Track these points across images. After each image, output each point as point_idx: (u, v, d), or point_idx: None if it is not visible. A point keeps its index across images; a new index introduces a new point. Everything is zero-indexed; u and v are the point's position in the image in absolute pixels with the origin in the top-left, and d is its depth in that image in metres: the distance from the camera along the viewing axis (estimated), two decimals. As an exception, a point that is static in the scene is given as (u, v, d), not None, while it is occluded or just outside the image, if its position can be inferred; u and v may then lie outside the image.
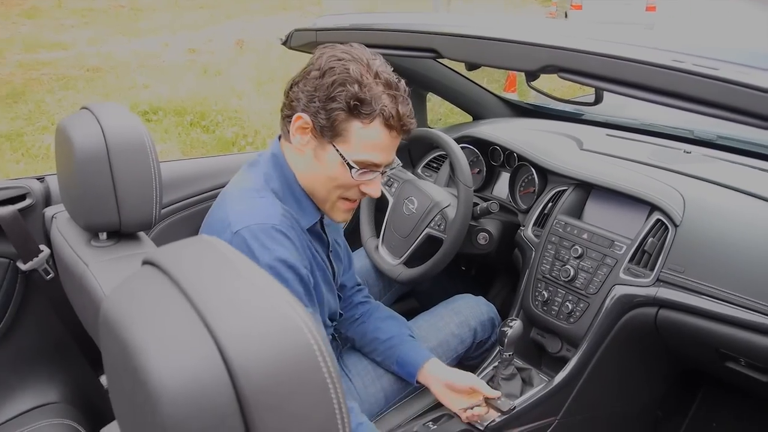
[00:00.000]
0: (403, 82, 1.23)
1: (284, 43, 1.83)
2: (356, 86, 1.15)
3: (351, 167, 1.21)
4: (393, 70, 1.23)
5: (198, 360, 0.47)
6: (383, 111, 1.17)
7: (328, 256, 1.40)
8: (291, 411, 0.48)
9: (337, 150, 1.20)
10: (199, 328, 0.48)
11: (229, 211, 1.23)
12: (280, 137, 1.32)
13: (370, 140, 1.20)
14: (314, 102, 1.18)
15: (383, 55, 1.27)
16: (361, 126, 1.18)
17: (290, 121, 1.23)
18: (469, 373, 1.48)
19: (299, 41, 1.78)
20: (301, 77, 1.22)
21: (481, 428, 1.50)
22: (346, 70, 1.16)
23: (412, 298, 2.22)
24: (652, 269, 1.46)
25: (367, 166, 1.22)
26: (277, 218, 1.21)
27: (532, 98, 3.43)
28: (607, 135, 2.05)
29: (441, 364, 1.51)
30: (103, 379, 1.61)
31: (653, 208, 1.53)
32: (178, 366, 0.46)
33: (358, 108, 1.16)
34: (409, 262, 1.81)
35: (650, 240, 1.49)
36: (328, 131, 1.19)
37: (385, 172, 1.30)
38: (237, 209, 1.22)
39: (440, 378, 1.47)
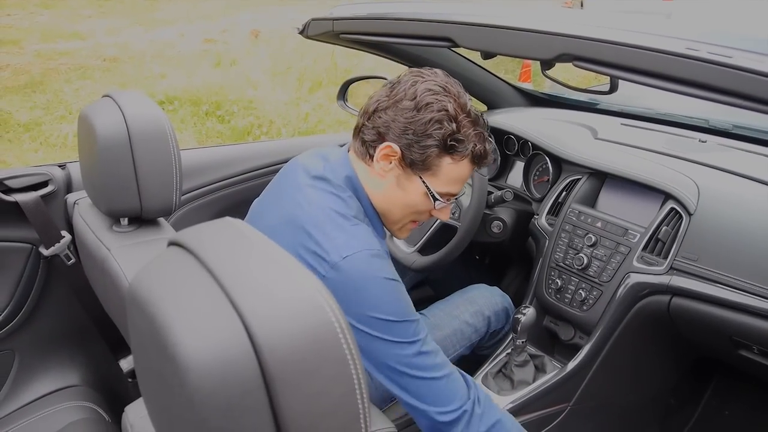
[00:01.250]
0: (483, 115, 1.25)
1: (301, 32, 1.84)
2: (453, 125, 1.16)
3: (435, 199, 1.23)
4: (471, 103, 1.24)
5: (224, 336, 0.49)
6: (473, 150, 1.20)
7: None
8: (313, 385, 0.50)
9: (424, 183, 1.21)
10: (225, 306, 0.50)
11: (321, 239, 1.17)
12: (348, 150, 1.30)
13: (457, 175, 1.23)
14: (407, 135, 1.17)
15: (400, 44, 1.28)
16: (451, 162, 1.20)
17: (374, 146, 1.21)
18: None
19: (316, 30, 1.79)
20: (389, 104, 1.19)
21: (494, 414, 1.52)
22: (443, 108, 1.16)
23: (427, 287, 2.24)
24: (665, 257, 1.47)
25: (449, 197, 1.26)
26: (378, 246, 1.19)
27: (547, 88, 3.42)
28: (622, 124, 2.05)
29: None
30: (123, 363, 1.64)
31: (667, 196, 1.54)
32: (206, 342, 0.48)
33: (454, 147, 1.18)
34: (424, 250, 1.83)
35: (664, 228, 1.49)
36: (419, 165, 1.20)
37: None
38: (333, 236, 1.16)
39: None
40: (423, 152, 1.18)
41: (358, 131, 1.26)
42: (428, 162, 1.19)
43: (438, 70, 1.23)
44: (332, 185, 1.23)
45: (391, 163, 1.21)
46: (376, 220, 1.29)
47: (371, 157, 1.22)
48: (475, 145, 1.20)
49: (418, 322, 1.18)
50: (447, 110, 1.16)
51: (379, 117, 1.20)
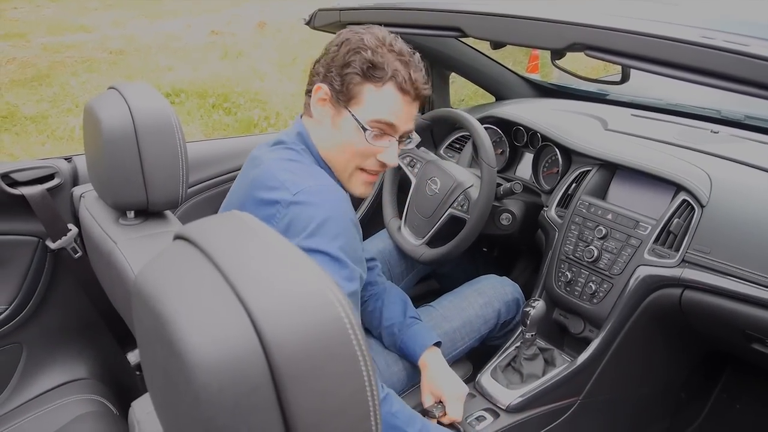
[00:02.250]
0: (417, 54, 1.27)
1: (308, 23, 1.83)
2: (369, 52, 1.20)
3: (365, 129, 1.23)
4: (412, 47, 1.27)
5: (231, 331, 0.47)
6: (396, 74, 1.21)
7: None
8: (322, 382, 0.49)
9: (352, 114, 1.23)
10: (232, 301, 0.49)
11: (280, 175, 1.21)
12: (302, 116, 1.35)
13: (383, 102, 1.23)
14: (331, 72, 1.23)
15: (407, 34, 1.27)
16: (374, 88, 1.22)
17: (310, 94, 1.27)
18: (455, 383, 1.47)
19: (323, 21, 1.78)
20: (322, 55, 1.28)
21: (503, 407, 1.51)
22: (360, 40, 1.22)
23: (435, 279, 2.23)
24: (677, 250, 1.45)
25: (381, 128, 1.25)
26: (332, 181, 1.24)
27: (555, 79, 3.40)
28: (632, 115, 2.03)
29: (438, 357, 1.51)
30: (130, 356, 1.64)
31: (679, 188, 1.52)
32: (212, 337, 0.47)
33: (371, 71, 1.20)
34: (432, 243, 1.81)
35: (676, 220, 1.47)
36: (343, 96, 1.23)
37: (402, 141, 1.31)
38: (289, 175, 1.21)
39: (429, 374, 1.48)
40: (343, 81, 1.22)
41: (305, 93, 1.33)
42: (351, 90, 1.22)
43: (377, 27, 1.28)
44: (286, 144, 1.30)
45: (326, 106, 1.26)
46: (329, 171, 1.30)
47: (311, 107, 1.28)
48: (397, 70, 1.21)
49: (358, 271, 1.18)
50: (363, 41, 1.21)
51: (314, 68, 1.30)
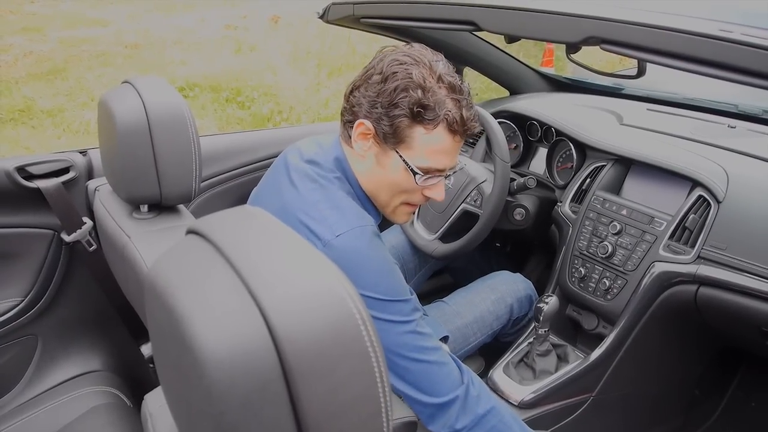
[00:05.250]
0: (466, 84, 1.19)
1: (321, 17, 1.83)
2: (419, 92, 1.11)
3: (415, 173, 1.18)
4: (452, 72, 1.18)
5: (243, 327, 0.47)
6: (447, 116, 1.13)
7: None
8: (333, 377, 0.49)
9: (401, 156, 1.17)
10: (244, 296, 0.49)
11: (312, 222, 1.17)
12: (339, 137, 1.29)
13: (433, 146, 1.16)
14: (376, 108, 1.15)
15: (421, 28, 1.25)
16: (424, 132, 1.14)
17: (351, 126, 1.20)
18: None
19: (336, 14, 1.77)
20: (362, 81, 1.19)
21: (516, 403, 1.51)
22: (408, 75, 1.12)
23: (447, 275, 2.22)
24: (692, 246, 1.43)
25: (431, 172, 1.19)
26: (372, 222, 1.19)
27: (569, 73, 3.37)
28: (648, 110, 2.01)
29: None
30: (144, 349, 1.65)
31: (695, 183, 1.50)
32: (224, 333, 0.47)
33: (421, 114, 1.12)
34: (445, 238, 1.81)
35: (691, 216, 1.46)
36: (391, 138, 1.16)
37: (449, 176, 1.27)
38: (325, 215, 1.16)
39: None
40: (392, 123, 1.14)
41: (341, 116, 1.25)
42: (400, 134, 1.15)
43: (416, 44, 1.20)
44: (322, 168, 1.23)
45: (368, 141, 1.19)
46: (367, 202, 1.26)
47: (351, 137, 1.21)
48: (448, 111, 1.13)
49: (412, 303, 1.16)
50: (412, 77, 1.12)
51: (353, 96, 1.19)
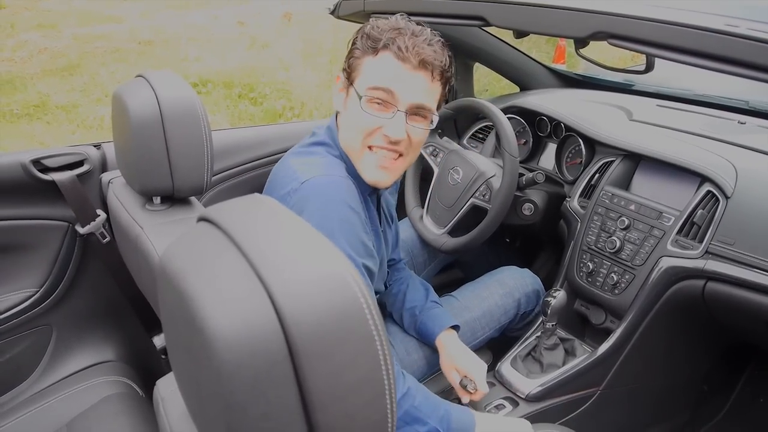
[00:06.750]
0: (428, 30, 1.22)
1: (332, 13, 1.84)
2: (368, 27, 1.22)
3: (360, 96, 1.20)
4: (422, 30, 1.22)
5: (252, 310, 0.49)
6: (390, 42, 1.17)
7: (382, 227, 1.42)
8: (338, 359, 0.50)
9: (354, 88, 1.23)
10: (253, 280, 0.50)
11: (295, 167, 1.24)
12: (337, 114, 1.33)
13: (378, 69, 1.20)
14: (346, 59, 1.26)
15: (431, 23, 1.26)
16: (371, 59, 1.20)
17: None
18: (476, 360, 1.48)
19: (347, 10, 1.79)
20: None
21: (523, 396, 1.52)
22: (369, 24, 1.23)
23: (456, 269, 2.23)
24: (700, 241, 1.44)
25: (379, 97, 1.19)
26: (343, 173, 1.23)
27: (581, 69, 3.36)
28: (658, 106, 2.01)
29: (455, 338, 1.52)
30: (156, 340, 1.68)
31: (704, 179, 1.50)
32: (233, 315, 0.49)
33: (367, 43, 1.20)
34: (454, 232, 1.82)
35: (700, 212, 1.46)
36: (349, 77, 1.25)
37: (416, 118, 1.23)
38: (302, 167, 1.23)
39: (449, 352, 1.49)
40: (350, 63, 1.24)
41: None
42: (355, 69, 1.23)
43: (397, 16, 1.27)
44: (316, 136, 1.32)
45: (343, 92, 1.28)
46: (350, 162, 1.29)
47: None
48: (392, 38, 1.17)
49: (360, 266, 1.19)
50: (371, 24, 1.22)
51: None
